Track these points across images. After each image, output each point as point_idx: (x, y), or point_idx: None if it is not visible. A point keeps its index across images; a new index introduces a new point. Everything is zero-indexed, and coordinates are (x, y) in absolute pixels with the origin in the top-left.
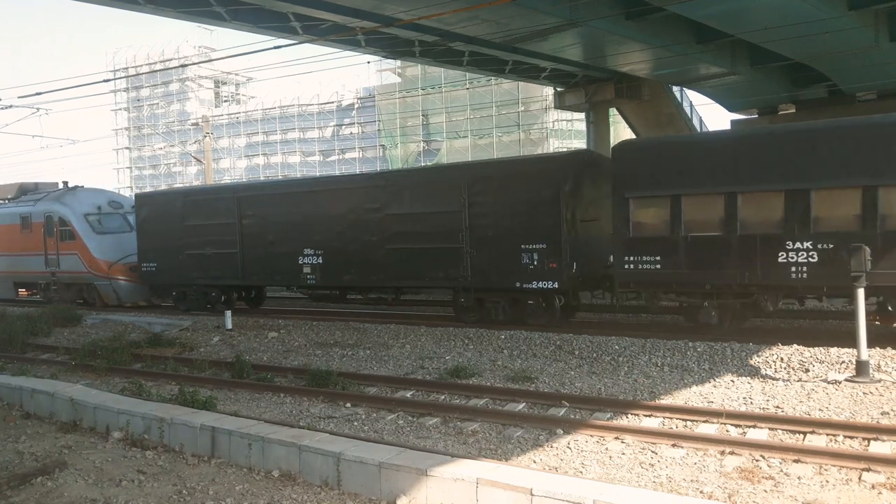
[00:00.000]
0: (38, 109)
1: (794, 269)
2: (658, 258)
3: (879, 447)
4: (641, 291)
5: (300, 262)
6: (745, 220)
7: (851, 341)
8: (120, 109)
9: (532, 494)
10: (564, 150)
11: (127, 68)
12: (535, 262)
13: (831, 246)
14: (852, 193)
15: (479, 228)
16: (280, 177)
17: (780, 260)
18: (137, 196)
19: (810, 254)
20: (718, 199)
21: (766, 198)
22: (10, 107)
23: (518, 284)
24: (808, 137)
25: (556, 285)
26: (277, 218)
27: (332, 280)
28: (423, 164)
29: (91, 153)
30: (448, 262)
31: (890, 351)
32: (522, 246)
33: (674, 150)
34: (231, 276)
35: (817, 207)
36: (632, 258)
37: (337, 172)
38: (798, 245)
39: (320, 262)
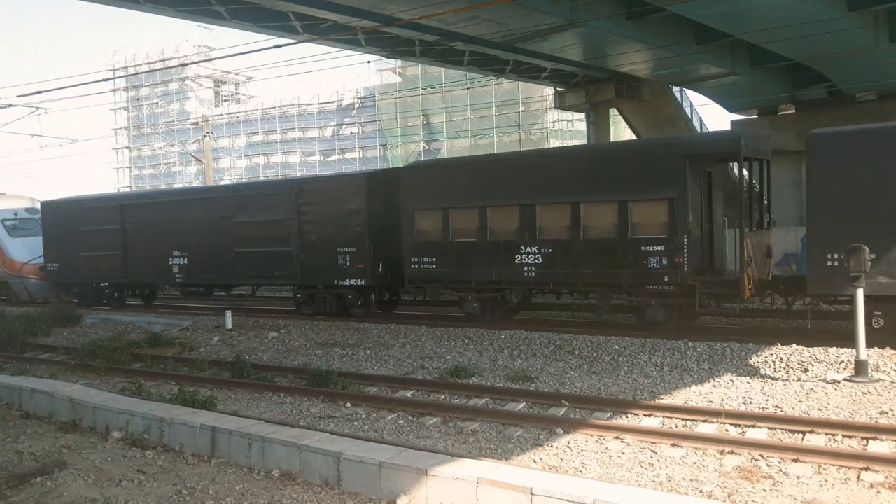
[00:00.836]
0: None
1: (525, 269)
2: (434, 259)
3: (878, 447)
4: (425, 286)
5: (170, 262)
6: (493, 229)
7: (850, 341)
8: (119, 109)
9: (532, 494)
10: (369, 169)
11: (126, 67)
12: (348, 263)
13: (550, 250)
14: (564, 208)
15: (307, 234)
16: (280, 177)
17: (516, 261)
18: (43, 203)
19: (536, 256)
20: (475, 212)
21: (507, 211)
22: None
23: (336, 281)
24: (535, 163)
25: (363, 282)
26: (152, 224)
27: (195, 279)
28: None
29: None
30: (284, 263)
31: (889, 351)
32: (338, 249)
33: (444, 171)
34: (117, 276)
35: (541, 219)
36: (416, 259)
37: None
38: (527, 249)
39: (186, 262)
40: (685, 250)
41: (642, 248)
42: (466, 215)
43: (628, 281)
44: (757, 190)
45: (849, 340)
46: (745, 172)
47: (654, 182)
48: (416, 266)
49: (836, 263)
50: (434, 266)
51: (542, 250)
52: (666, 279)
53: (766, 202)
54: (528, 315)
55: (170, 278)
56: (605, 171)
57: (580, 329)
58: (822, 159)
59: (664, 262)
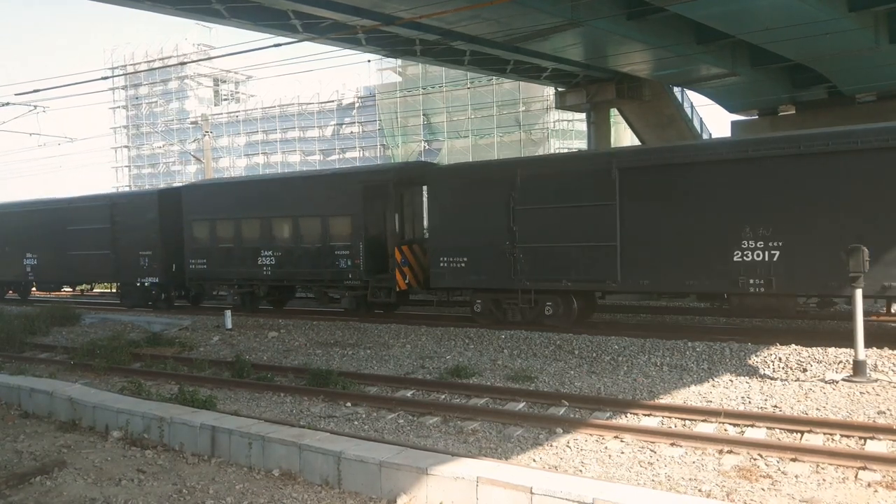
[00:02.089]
0: (35, 107)
1: (264, 268)
2: (205, 260)
3: (876, 446)
4: (202, 283)
5: (24, 263)
6: (244, 237)
7: (849, 341)
8: (118, 107)
9: (532, 493)
10: (163, 187)
11: (125, 66)
12: (147, 264)
13: (280, 254)
14: (289, 221)
15: (120, 240)
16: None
17: (259, 262)
18: None
19: (271, 258)
20: (232, 223)
21: (253, 223)
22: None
23: (139, 279)
24: (269, 187)
25: (158, 280)
26: (11, 231)
27: (44, 276)
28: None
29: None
30: (105, 264)
31: (887, 351)
32: (140, 252)
33: (211, 190)
34: None
35: (275, 230)
36: (193, 261)
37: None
38: (266, 253)
39: (36, 263)
40: (361, 254)
41: (336, 252)
42: (227, 225)
43: (329, 278)
44: (414, 209)
45: (847, 341)
46: (422, 195)
47: (343, 203)
48: (193, 266)
49: (445, 265)
50: (205, 266)
51: (275, 254)
52: (350, 276)
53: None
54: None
55: (24, 276)
56: (314, 193)
57: (580, 329)
58: (433, 188)
59: (349, 263)
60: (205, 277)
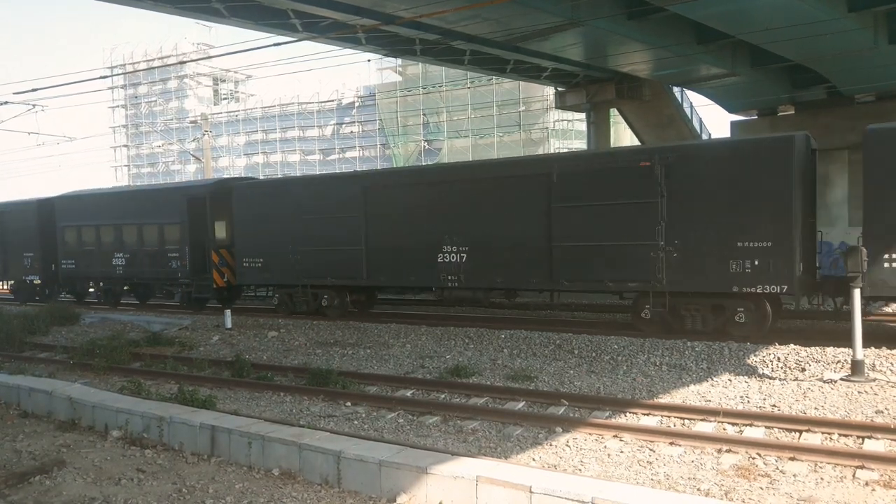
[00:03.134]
0: (33, 106)
1: (117, 267)
2: (74, 261)
3: (873, 445)
4: (73, 280)
5: None
6: (103, 241)
7: (847, 341)
8: (117, 107)
9: (531, 492)
10: (42, 197)
11: (124, 65)
12: (30, 263)
13: (129, 255)
14: (135, 228)
15: (8, 243)
16: (280, 176)
17: (112, 262)
18: None
19: (121, 259)
20: (94, 229)
21: (109, 229)
22: (6, 103)
23: (25, 277)
24: (121, 198)
25: (39, 279)
26: None
27: None
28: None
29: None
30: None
31: (885, 351)
32: (24, 254)
33: (79, 201)
34: None
35: (125, 235)
36: (65, 261)
37: (337, 171)
38: (118, 255)
39: None
40: (187, 257)
41: (169, 255)
42: (90, 231)
43: (164, 276)
44: (229, 218)
45: (845, 340)
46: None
47: (173, 213)
48: (65, 266)
49: (247, 265)
50: (74, 266)
51: (125, 256)
52: (180, 275)
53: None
54: (530, 315)
55: None
56: (152, 204)
57: (580, 329)
58: (237, 201)
59: (179, 264)
60: (74, 276)
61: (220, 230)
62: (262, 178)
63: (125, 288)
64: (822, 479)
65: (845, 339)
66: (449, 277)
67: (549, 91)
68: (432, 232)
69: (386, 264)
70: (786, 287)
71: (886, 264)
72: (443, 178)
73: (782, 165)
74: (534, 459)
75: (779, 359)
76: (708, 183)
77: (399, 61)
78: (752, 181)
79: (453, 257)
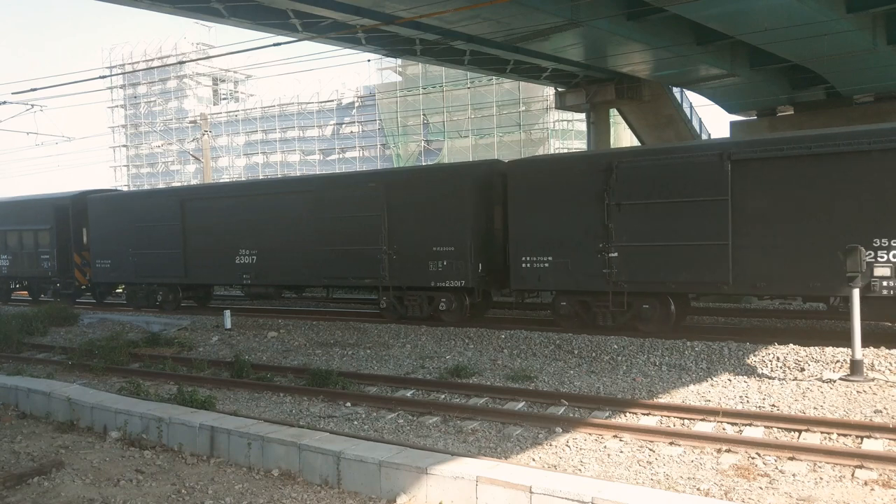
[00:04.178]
0: (32, 106)
1: (3, 269)
2: None
3: (872, 444)
4: None
5: None
6: None
7: (846, 341)
8: (117, 106)
9: (531, 492)
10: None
11: (123, 65)
12: (49, 262)
13: (11, 257)
14: (16, 233)
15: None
16: (280, 175)
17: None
18: None
19: (6, 261)
20: None
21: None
22: (5, 103)
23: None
24: (7, 207)
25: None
26: None
27: None
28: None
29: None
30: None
31: (884, 350)
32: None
33: None
34: None
35: (8, 239)
36: None
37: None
38: (4, 256)
39: None
40: (55, 258)
41: (42, 256)
42: None
43: (40, 275)
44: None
45: (845, 340)
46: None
47: (43, 220)
48: None
49: (100, 266)
50: None
51: (9, 257)
52: (50, 274)
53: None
54: (529, 314)
55: None
56: (32, 212)
57: (579, 329)
58: (91, 210)
59: (49, 265)
60: None
61: (83, 235)
62: (135, 189)
63: (12, 286)
64: (821, 478)
65: (844, 339)
66: (244, 276)
67: (549, 91)
68: (232, 238)
69: (200, 265)
70: (464, 282)
71: (524, 265)
72: (238, 193)
73: (460, 189)
74: (534, 459)
75: (778, 358)
76: (416, 201)
77: (399, 61)
78: (442, 200)
79: (247, 259)
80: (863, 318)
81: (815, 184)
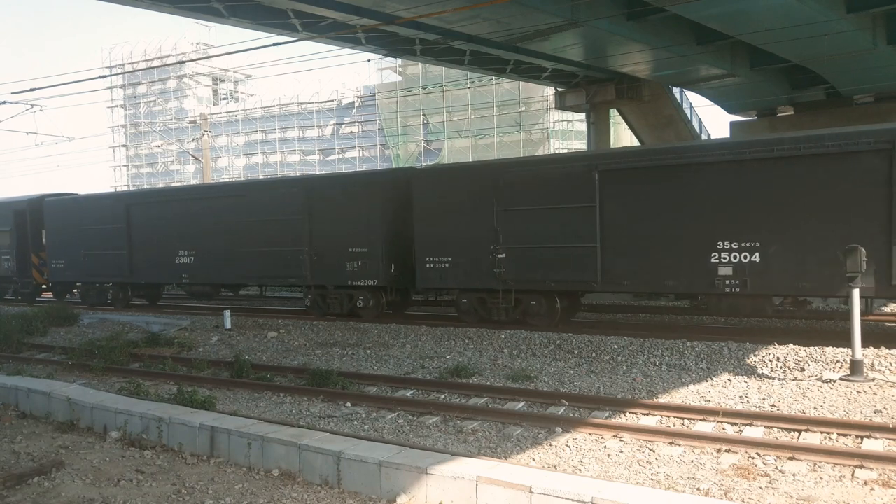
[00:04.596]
0: (32, 106)
1: None
2: None
3: (872, 444)
4: None
5: None
6: None
7: (846, 341)
8: (116, 106)
9: (531, 492)
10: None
11: (123, 65)
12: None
13: None
14: None
15: None
16: (280, 175)
17: None
18: None
19: None
20: None
21: None
22: (4, 103)
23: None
24: None
25: None
26: None
27: None
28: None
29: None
30: None
31: (884, 350)
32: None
33: None
34: None
35: None
36: None
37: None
38: None
39: None
40: (15, 259)
41: (2, 257)
42: None
43: (1, 275)
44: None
45: (844, 340)
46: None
47: (5, 222)
48: None
49: (55, 266)
50: None
51: None
52: (11, 273)
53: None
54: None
55: None
56: None
57: (579, 329)
58: (47, 213)
59: (10, 265)
60: None
61: (41, 237)
62: (85, 193)
63: None
64: (821, 478)
65: (844, 339)
66: (184, 275)
67: (549, 91)
68: (172, 240)
69: (144, 265)
70: (377, 281)
71: (428, 265)
72: (177, 197)
73: (373, 195)
74: (534, 459)
75: (778, 359)
76: (334, 205)
77: (399, 61)
78: (357, 205)
79: (186, 259)
80: (710, 314)
81: (668, 192)
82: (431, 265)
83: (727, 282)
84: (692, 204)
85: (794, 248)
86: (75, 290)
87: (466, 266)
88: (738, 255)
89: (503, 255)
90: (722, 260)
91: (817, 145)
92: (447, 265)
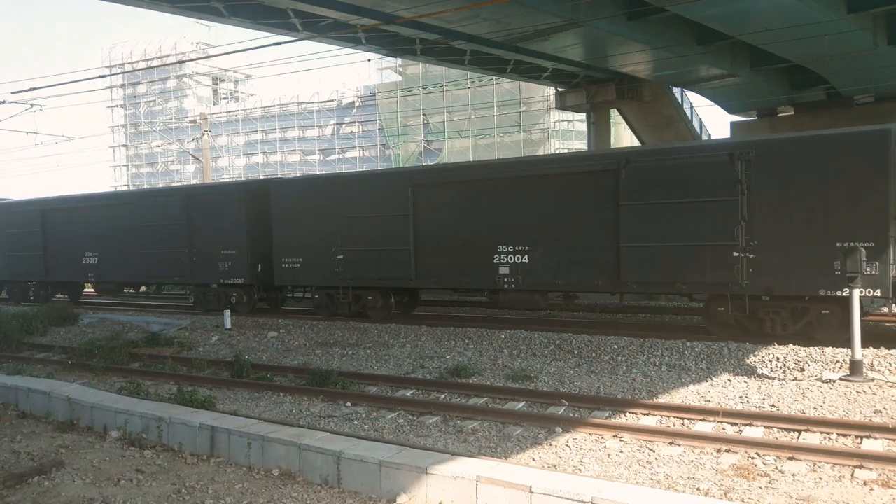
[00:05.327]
0: (32, 105)
1: None
2: None
3: (872, 445)
4: None
5: None
6: None
7: (846, 341)
8: (116, 106)
9: (531, 492)
10: None
11: (123, 64)
12: None
13: None
14: None
15: None
16: (280, 175)
17: None
18: None
19: None
20: None
21: None
22: (4, 102)
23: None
24: None
25: None
26: None
27: None
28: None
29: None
30: None
31: (883, 351)
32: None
33: None
34: None
35: None
36: None
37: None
38: None
39: None
40: None
41: None
42: None
43: None
44: None
45: (844, 341)
46: None
47: None
48: None
49: None
50: None
51: None
52: None
53: None
54: (529, 315)
55: None
56: None
57: (579, 329)
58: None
59: None
60: None
61: None
62: (9, 200)
63: None
64: (820, 478)
65: (844, 340)
66: (89, 274)
67: (550, 91)
68: (79, 242)
69: (57, 265)
70: (244, 279)
71: (284, 265)
72: (82, 204)
73: (238, 202)
74: (534, 459)
75: (778, 359)
76: (208, 211)
77: (399, 61)
78: (227, 211)
79: (90, 260)
80: (496, 307)
81: (464, 203)
82: (287, 265)
83: (506, 279)
84: (480, 214)
85: (553, 251)
86: (5, 290)
87: (314, 266)
88: (513, 257)
89: (341, 257)
90: (502, 261)
91: (568, 165)
92: (299, 265)
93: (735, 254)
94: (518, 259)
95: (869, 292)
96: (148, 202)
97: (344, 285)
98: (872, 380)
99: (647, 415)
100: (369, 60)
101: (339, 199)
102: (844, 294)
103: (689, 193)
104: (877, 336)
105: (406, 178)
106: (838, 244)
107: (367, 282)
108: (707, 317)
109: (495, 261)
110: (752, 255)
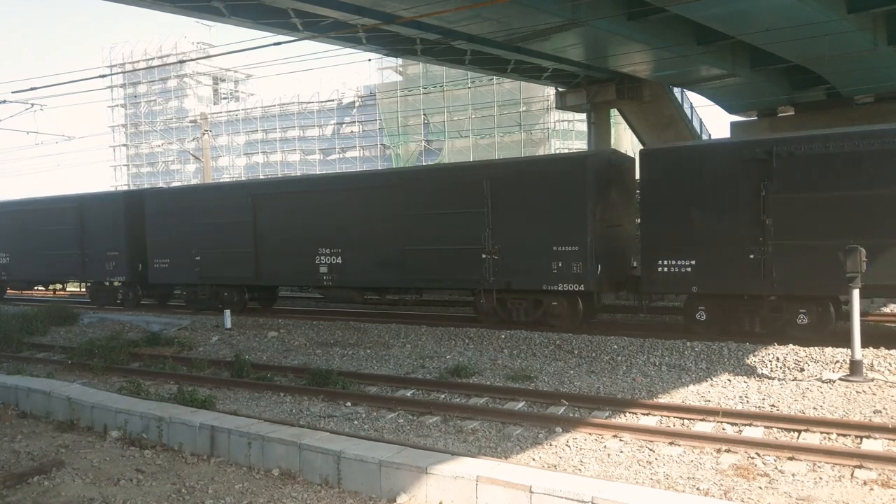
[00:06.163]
0: (32, 105)
1: None
2: None
3: (872, 445)
4: None
5: None
6: None
7: (846, 341)
8: (117, 106)
9: (531, 492)
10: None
11: (124, 64)
12: None
13: None
14: None
15: None
16: (280, 175)
17: None
18: None
19: None
20: None
21: None
22: (4, 102)
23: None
24: None
25: None
26: None
27: None
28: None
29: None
30: None
31: (883, 351)
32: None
33: None
34: None
35: None
36: None
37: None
38: None
39: None
40: None
41: None
42: None
43: None
44: None
45: (844, 341)
46: None
47: None
48: None
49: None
50: None
51: None
52: None
53: None
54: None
55: None
56: None
57: (579, 329)
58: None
59: None
60: None
61: None
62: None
63: None
64: (820, 478)
65: (844, 340)
66: (2, 274)
67: (550, 91)
68: (1, 242)
69: None
70: (125, 278)
71: (156, 265)
72: (9, 210)
73: (116, 208)
74: (534, 459)
75: (778, 359)
76: (94, 217)
77: (400, 61)
78: (107, 216)
79: (3, 260)
80: (320, 301)
81: (293, 212)
82: (158, 265)
83: (325, 277)
84: (305, 220)
85: (361, 254)
86: None
87: (180, 266)
88: (330, 258)
89: (199, 258)
90: (322, 261)
91: (370, 180)
92: (167, 266)
93: (483, 255)
94: (333, 260)
95: (574, 287)
96: (46, 209)
97: (203, 283)
98: (872, 380)
99: (647, 415)
100: (370, 60)
101: (197, 207)
102: (560, 288)
103: (454, 205)
104: (877, 336)
105: (247, 190)
106: (554, 248)
107: (221, 280)
108: (475, 307)
109: (317, 261)
110: (496, 257)
